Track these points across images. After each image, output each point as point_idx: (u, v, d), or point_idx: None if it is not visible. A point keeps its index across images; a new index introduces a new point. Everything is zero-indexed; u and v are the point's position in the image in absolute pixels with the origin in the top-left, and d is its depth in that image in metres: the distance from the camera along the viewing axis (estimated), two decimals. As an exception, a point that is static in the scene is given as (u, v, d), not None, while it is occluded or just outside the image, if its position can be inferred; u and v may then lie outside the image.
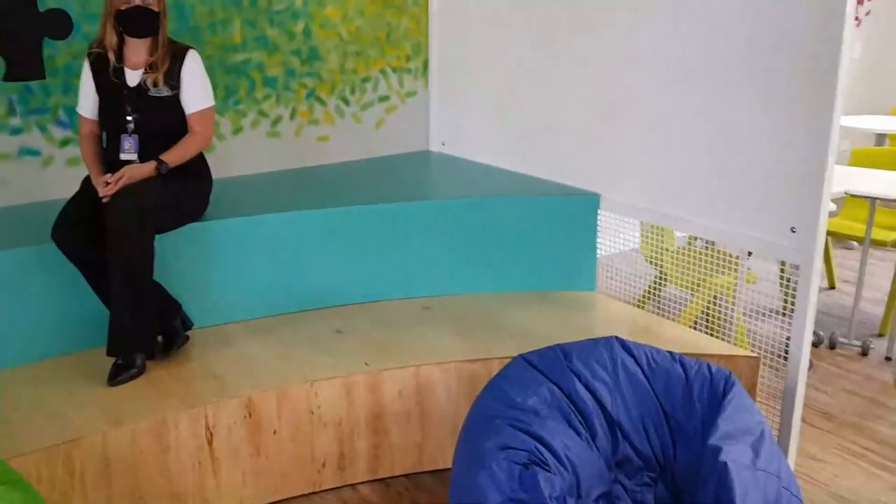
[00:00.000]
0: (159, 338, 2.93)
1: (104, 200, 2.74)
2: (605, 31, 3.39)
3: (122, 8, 2.78)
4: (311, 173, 3.95)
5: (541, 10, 3.68)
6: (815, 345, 4.04)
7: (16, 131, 3.31)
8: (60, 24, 3.27)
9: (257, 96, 3.83)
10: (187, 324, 3.04)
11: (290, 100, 3.93)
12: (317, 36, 3.93)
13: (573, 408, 2.42)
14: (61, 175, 3.37)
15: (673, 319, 3.50)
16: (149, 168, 2.82)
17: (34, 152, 3.37)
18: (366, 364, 2.89)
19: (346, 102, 4.11)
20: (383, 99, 4.22)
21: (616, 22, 3.34)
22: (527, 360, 2.54)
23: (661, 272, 3.84)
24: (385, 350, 2.99)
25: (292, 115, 3.96)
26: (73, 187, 2.92)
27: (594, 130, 3.51)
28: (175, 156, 2.88)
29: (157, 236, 2.82)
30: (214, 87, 3.62)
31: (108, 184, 2.74)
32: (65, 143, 3.39)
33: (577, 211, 3.54)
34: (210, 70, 3.60)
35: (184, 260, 3.07)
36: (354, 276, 3.38)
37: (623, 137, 3.39)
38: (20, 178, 3.35)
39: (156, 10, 2.81)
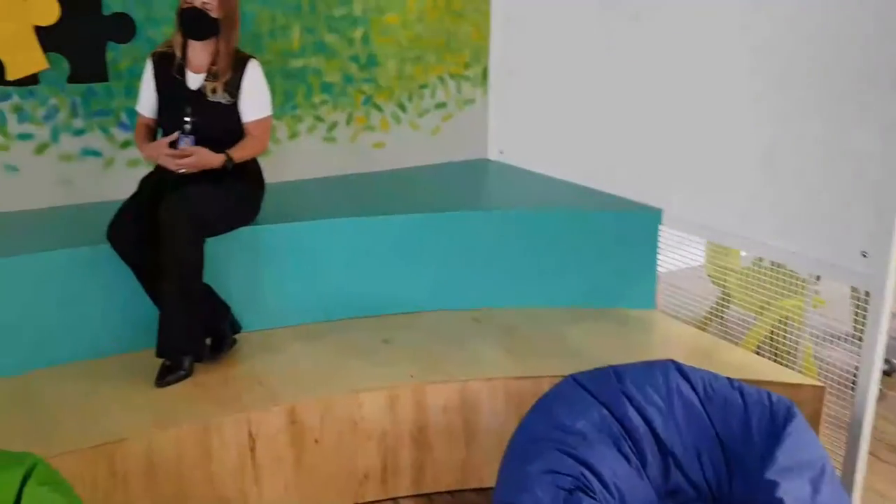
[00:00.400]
0: (208, 340, 2.93)
1: (169, 164, 2.78)
2: (674, 40, 3.27)
3: (184, 7, 2.81)
4: (366, 179, 3.93)
5: (606, 18, 3.57)
6: (886, 373, 3.81)
7: (79, 132, 3.37)
8: (124, 28, 3.32)
9: (314, 101, 3.83)
10: (236, 327, 3.04)
11: (347, 105, 3.92)
12: (375, 42, 3.91)
13: (624, 433, 2.32)
14: (122, 175, 3.41)
15: (736, 343, 3.35)
16: (218, 159, 2.82)
17: (96, 153, 3.43)
18: (411, 376, 2.83)
19: (403, 109, 4.08)
20: (440, 106, 4.18)
21: (685, 30, 3.21)
22: (577, 381, 2.45)
23: (725, 293, 3.68)
24: (432, 362, 2.93)
25: (348, 121, 3.95)
26: (132, 188, 2.96)
27: (659, 143, 3.39)
28: (240, 153, 2.89)
29: (209, 239, 2.82)
30: (272, 93, 3.64)
31: (174, 154, 2.78)
32: (125, 144, 3.44)
33: (637, 226, 3.43)
34: (268, 75, 3.59)
35: (235, 263, 3.08)
36: (404, 285, 3.33)
37: (689, 152, 3.27)
38: (83, 178, 3.42)
39: (214, 15, 2.82)
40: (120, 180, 3.36)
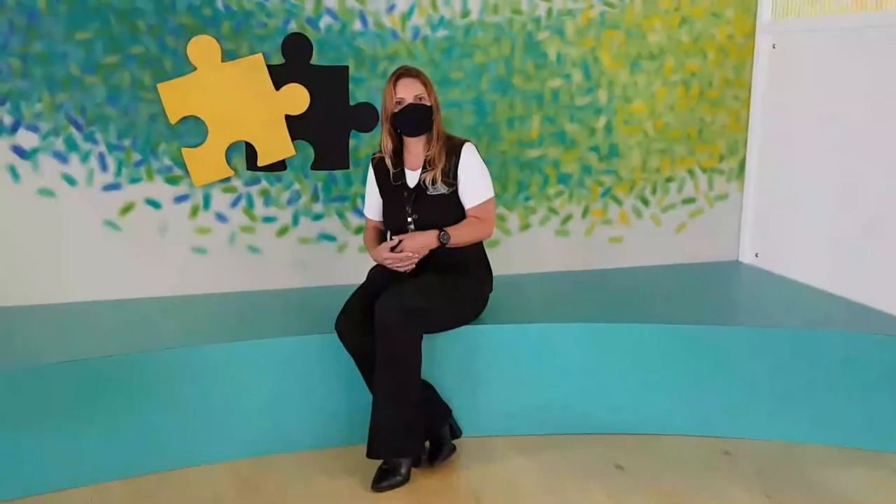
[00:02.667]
0: (427, 443, 2.74)
1: (389, 264, 2.72)
2: None
3: (396, 111, 2.74)
4: (601, 277, 3.62)
5: (883, 109, 3.06)
6: None
7: (317, 217, 3.42)
8: (367, 118, 3.34)
9: (549, 193, 3.63)
10: (456, 431, 2.84)
11: (584, 198, 3.67)
12: (619, 132, 3.65)
13: None
14: (353, 260, 3.40)
15: None
16: (430, 236, 2.71)
17: (331, 237, 3.45)
18: (649, 515, 2.44)
19: (646, 203, 3.75)
20: (688, 201, 3.80)
21: None
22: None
23: None
24: (671, 500, 2.52)
25: (584, 214, 3.69)
26: (363, 274, 2.90)
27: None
28: (458, 232, 2.75)
29: (427, 336, 2.68)
30: (506, 183, 3.53)
31: (395, 258, 2.72)
32: (359, 230, 3.43)
33: (935, 355, 2.81)
34: (503, 165, 3.51)
35: (454, 363, 2.89)
36: (641, 402, 2.95)
37: None
38: (317, 261, 3.45)
39: (428, 104, 2.74)
40: (351, 265, 3.36)
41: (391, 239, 2.80)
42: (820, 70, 3.42)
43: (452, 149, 2.79)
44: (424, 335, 2.66)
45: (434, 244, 2.72)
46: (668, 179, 3.75)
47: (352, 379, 2.75)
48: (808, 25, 3.48)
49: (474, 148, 2.83)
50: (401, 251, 2.71)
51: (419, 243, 2.71)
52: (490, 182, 2.85)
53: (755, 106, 3.74)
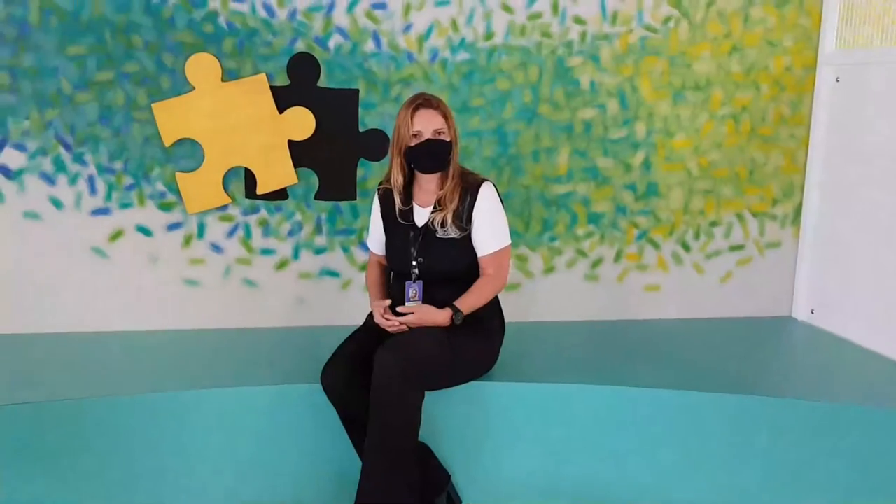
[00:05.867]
0: (421, 514, 2.42)
1: (386, 327, 2.44)
2: None
3: (412, 144, 2.45)
4: (632, 330, 3.25)
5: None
6: None
7: (320, 251, 3.17)
8: (377, 146, 3.09)
9: (578, 233, 3.29)
10: (455, 500, 2.55)
11: (617, 240, 3.32)
12: (658, 169, 3.30)
13: None
14: (357, 299, 3.15)
15: None
16: (443, 316, 2.42)
17: (334, 273, 3.20)
18: None
19: (687, 248, 3.38)
20: (736, 248, 3.41)
21: None
22: None
23: None
24: None
25: (617, 258, 3.34)
26: (364, 315, 2.64)
27: None
28: (469, 303, 2.47)
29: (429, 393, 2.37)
30: (529, 220, 3.25)
31: (389, 316, 2.45)
32: (364, 266, 3.16)
33: None
34: (526, 201, 3.22)
35: (457, 422, 2.58)
36: (665, 477, 2.58)
37: None
38: (318, 299, 3.20)
39: (447, 139, 2.45)
40: (355, 304, 3.12)
41: (407, 299, 2.49)
42: (889, 107, 3.01)
43: (468, 188, 2.49)
44: (426, 393, 2.36)
45: (445, 323, 2.42)
46: (713, 223, 3.37)
47: (342, 434, 2.46)
48: (877, 57, 3.09)
49: (493, 188, 2.53)
50: (403, 322, 2.42)
51: (430, 321, 2.41)
52: (507, 228, 2.55)
53: (814, 145, 3.35)
